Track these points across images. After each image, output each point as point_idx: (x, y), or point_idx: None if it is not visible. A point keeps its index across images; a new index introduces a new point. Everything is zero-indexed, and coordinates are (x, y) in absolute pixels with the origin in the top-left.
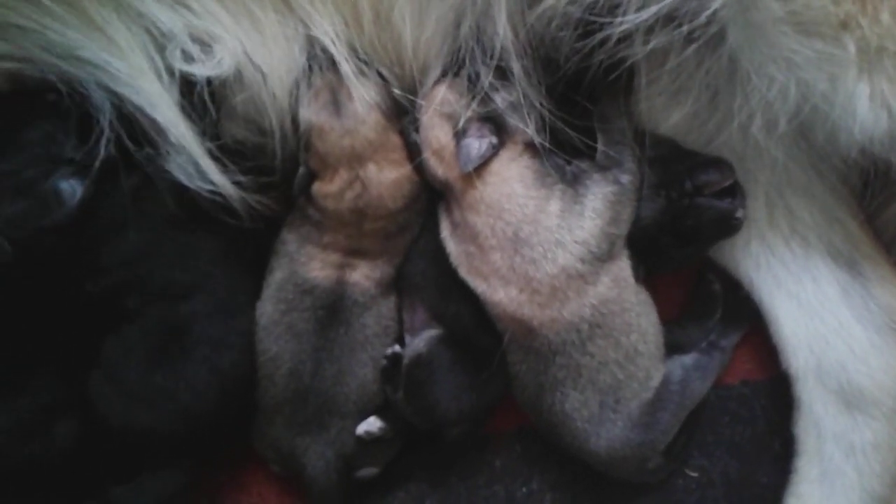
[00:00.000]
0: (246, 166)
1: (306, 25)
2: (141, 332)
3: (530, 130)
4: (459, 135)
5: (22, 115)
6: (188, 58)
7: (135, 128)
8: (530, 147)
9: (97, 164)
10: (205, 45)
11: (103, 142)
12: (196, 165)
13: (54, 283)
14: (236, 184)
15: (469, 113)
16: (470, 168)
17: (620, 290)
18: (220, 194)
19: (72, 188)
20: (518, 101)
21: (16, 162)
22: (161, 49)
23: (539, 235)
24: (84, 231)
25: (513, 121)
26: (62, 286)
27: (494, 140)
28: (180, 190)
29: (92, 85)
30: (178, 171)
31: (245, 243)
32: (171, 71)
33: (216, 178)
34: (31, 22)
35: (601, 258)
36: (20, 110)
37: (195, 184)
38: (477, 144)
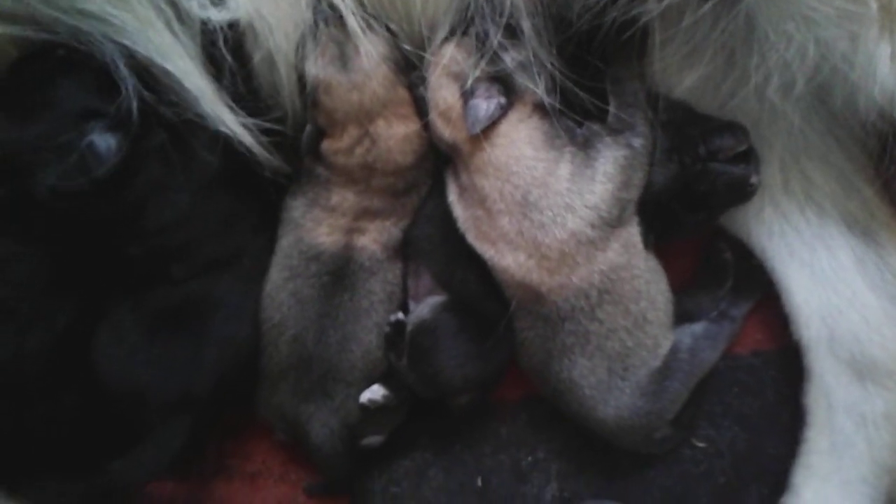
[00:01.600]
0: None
1: None
2: (164, 297)
3: (540, 91)
4: (467, 95)
5: (39, 75)
6: (201, 4)
7: (152, 80)
8: (540, 108)
9: (127, 114)
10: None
11: (126, 94)
12: (216, 116)
13: (97, 246)
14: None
15: (477, 72)
16: (478, 129)
17: (630, 256)
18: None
19: (107, 142)
20: (528, 60)
21: (46, 124)
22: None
23: (548, 199)
24: (125, 192)
25: (522, 81)
26: (104, 249)
27: (503, 100)
28: (217, 143)
29: (100, 38)
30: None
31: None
32: (181, 19)
33: (238, 131)
34: None
35: (611, 223)
36: (36, 71)
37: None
38: (485, 105)
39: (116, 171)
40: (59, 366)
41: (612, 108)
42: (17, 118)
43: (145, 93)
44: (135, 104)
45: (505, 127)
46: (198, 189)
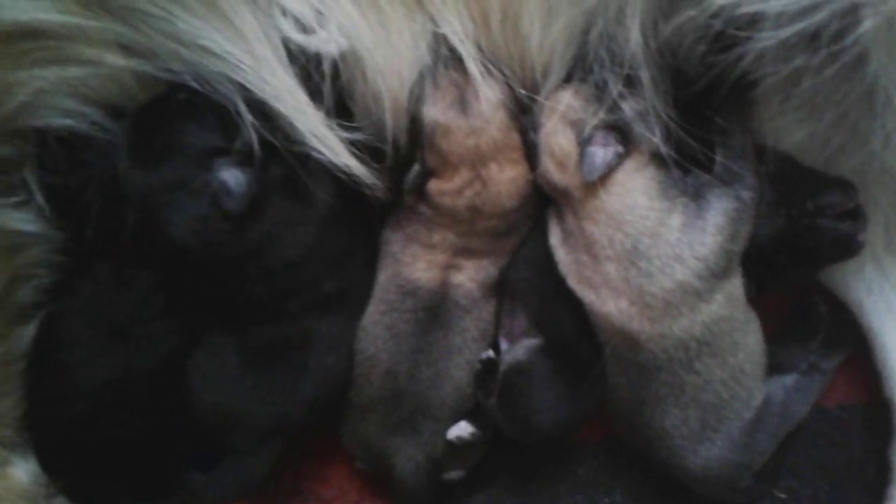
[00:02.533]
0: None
1: (434, 22)
2: (270, 329)
3: (657, 140)
4: (584, 142)
5: (163, 120)
6: (313, 43)
7: (268, 117)
8: (656, 158)
9: (250, 149)
10: (329, 34)
11: (246, 130)
12: (326, 151)
13: (216, 283)
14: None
15: (595, 121)
16: (594, 177)
17: (732, 308)
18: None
19: (236, 178)
20: (645, 110)
21: (174, 167)
22: (284, 36)
23: (658, 249)
24: (253, 230)
25: (639, 130)
26: (223, 286)
27: (620, 149)
28: (331, 179)
29: (218, 76)
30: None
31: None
32: (293, 58)
33: (352, 164)
34: (159, 9)
35: (718, 275)
36: (159, 115)
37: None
38: (602, 153)
39: (248, 205)
40: (159, 388)
41: (719, 159)
42: (145, 163)
43: (262, 129)
44: (255, 140)
45: (620, 175)
46: (318, 225)
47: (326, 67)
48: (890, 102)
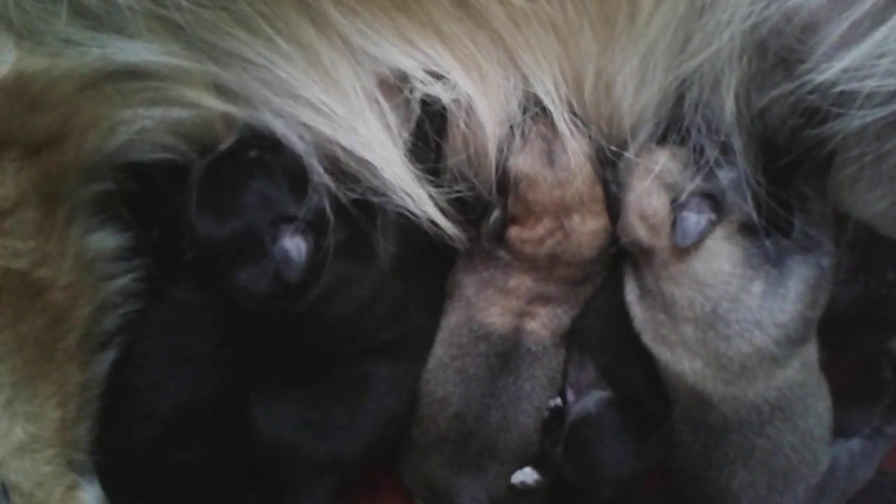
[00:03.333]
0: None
1: (528, 82)
2: (330, 372)
3: (748, 209)
4: (678, 207)
5: (233, 177)
6: (415, 99)
7: (346, 174)
8: (745, 226)
9: (318, 214)
10: (430, 89)
11: (317, 193)
12: (412, 201)
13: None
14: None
15: (692, 186)
16: (687, 243)
17: (807, 374)
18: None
19: (298, 247)
20: (738, 178)
21: (240, 226)
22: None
23: (738, 313)
24: (311, 290)
25: (732, 198)
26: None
27: (713, 217)
28: (396, 231)
29: (303, 128)
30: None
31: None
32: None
33: (437, 217)
34: (260, 57)
35: (796, 342)
36: (230, 171)
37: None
38: (696, 219)
39: (304, 277)
40: (225, 417)
41: (798, 224)
42: (211, 216)
43: (332, 185)
44: (325, 202)
45: (709, 241)
46: (376, 282)
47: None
48: None
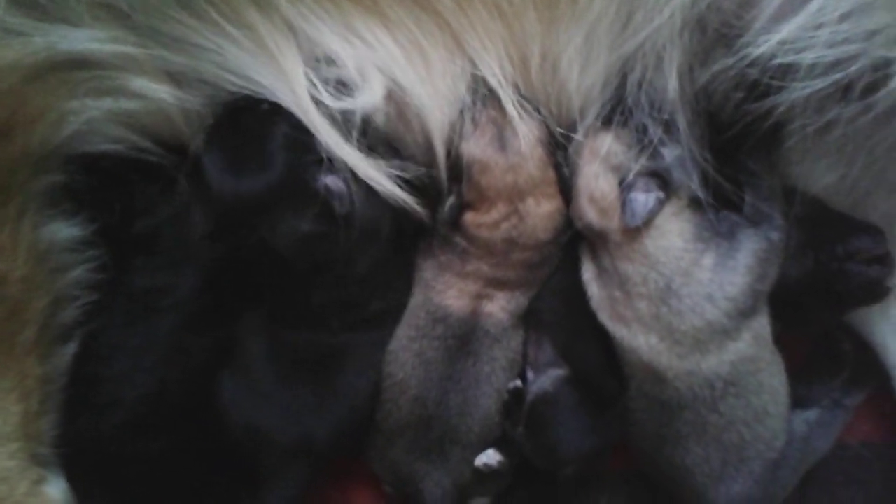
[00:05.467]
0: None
1: (474, 64)
2: (304, 346)
3: (695, 186)
4: (626, 188)
5: (257, 129)
6: (350, 85)
7: None
8: (693, 202)
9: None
10: (367, 75)
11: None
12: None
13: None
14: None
15: (637, 166)
16: (638, 223)
17: (759, 347)
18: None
19: (336, 182)
20: (683, 155)
21: (273, 179)
22: (325, 76)
23: (690, 288)
24: (346, 239)
25: (679, 176)
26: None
27: (661, 195)
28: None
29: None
30: None
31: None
32: (330, 94)
33: (392, 191)
34: (209, 42)
35: (746, 314)
36: (251, 124)
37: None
38: (644, 199)
39: (353, 207)
40: (193, 405)
41: (748, 199)
42: (243, 173)
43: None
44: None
45: (659, 220)
46: (379, 246)
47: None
48: None
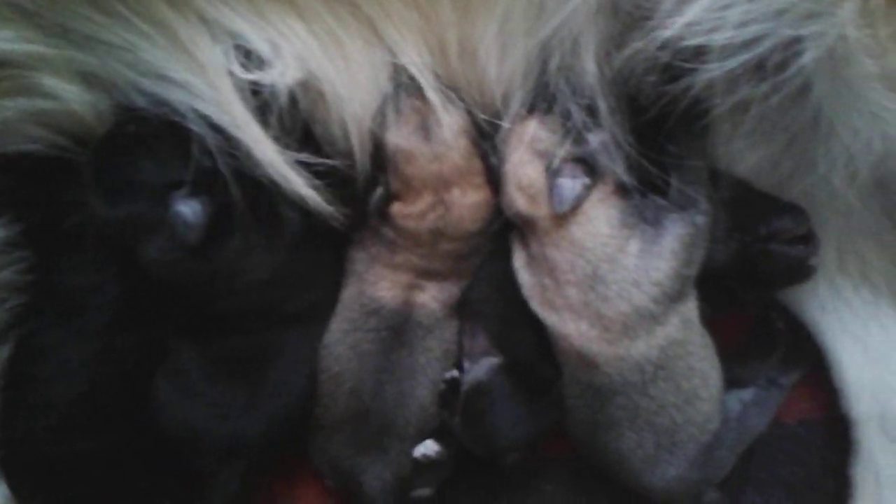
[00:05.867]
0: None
1: (393, 54)
2: (232, 345)
3: (620, 171)
4: (552, 174)
5: (117, 155)
6: (271, 73)
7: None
8: (619, 188)
9: (208, 175)
10: (285, 66)
11: (206, 156)
12: (284, 180)
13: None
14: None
15: (563, 152)
16: (564, 209)
17: (687, 331)
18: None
19: (192, 208)
20: (608, 140)
21: (133, 202)
22: (242, 67)
23: (616, 274)
24: (220, 254)
25: (604, 161)
26: (190, 303)
27: (588, 181)
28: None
29: (179, 104)
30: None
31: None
32: (252, 89)
33: (307, 193)
34: (120, 39)
35: (673, 298)
36: (114, 151)
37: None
38: (571, 185)
39: (207, 233)
40: (125, 403)
41: (674, 184)
42: (108, 199)
43: (225, 156)
44: (218, 164)
45: (586, 205)
46: (285, 249)
47: (285, 98)
48: (833, 130)
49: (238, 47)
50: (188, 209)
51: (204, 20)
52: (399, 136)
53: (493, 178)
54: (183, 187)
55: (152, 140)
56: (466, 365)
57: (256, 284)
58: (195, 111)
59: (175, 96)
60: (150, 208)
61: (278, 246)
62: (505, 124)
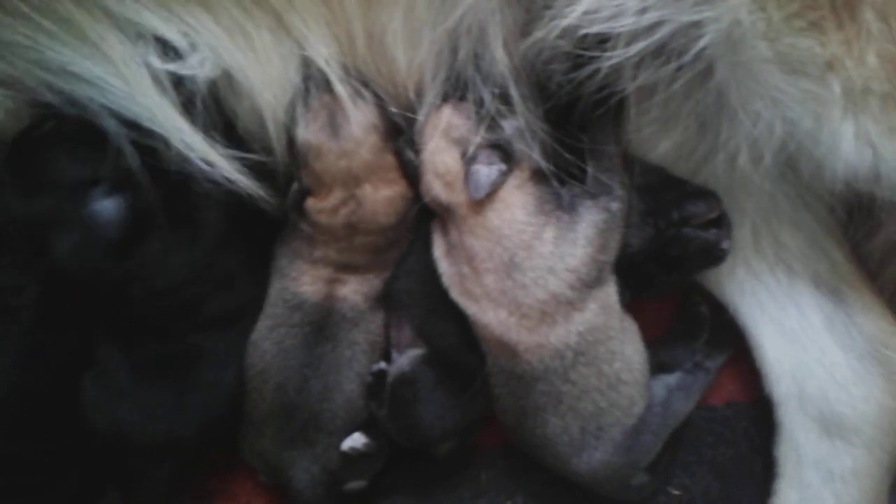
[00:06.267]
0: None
1: (301, 46)
2: (158, 346)
3: (536, 157)
4: (468, 161)
5: (34, 151)
6: (183, 67)
7: (148, 140)
8: (535, 174)
9: (125, 175)
10: (199, 58)
11: (122, 155)
12: (210, 169)
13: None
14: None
15: (478, 139)
16: (481, 195)
17: (607, 316)
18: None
19: (108, 207)
20: (522, 127)
21: (48, 198)
22: (153, 61)
23: (532, 261)
24: (136, 255)
25: (520, 147)
26: (111, 304)
27: (504, 167)
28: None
29: (90, 102)
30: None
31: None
32: (169, 81)
33: (234, 177)
34: (26, 38)
35: (589, 285)
36: (30, 146)
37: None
38: (487, 171)
39: (124, 232)
40: (53, 405)
41: (590, 172)
42: (23, 195)
43: (137, 153)
44: (135, 163)
45: (502, 192)
46: (203, 248)
47: (204, 90)
48: (735, 114)
49: (156, 39)
50: (105, 207)
51: (110, 15)
52: (307, 132)
53: (409, 172)
54: (101, 185)
55: (70, 137)
56: (395, 356)
57: (177, 285)
58: (108, 108)
59: (87, 93)
60: (65, 205)
61: (198, 246)
62: (419, 117)
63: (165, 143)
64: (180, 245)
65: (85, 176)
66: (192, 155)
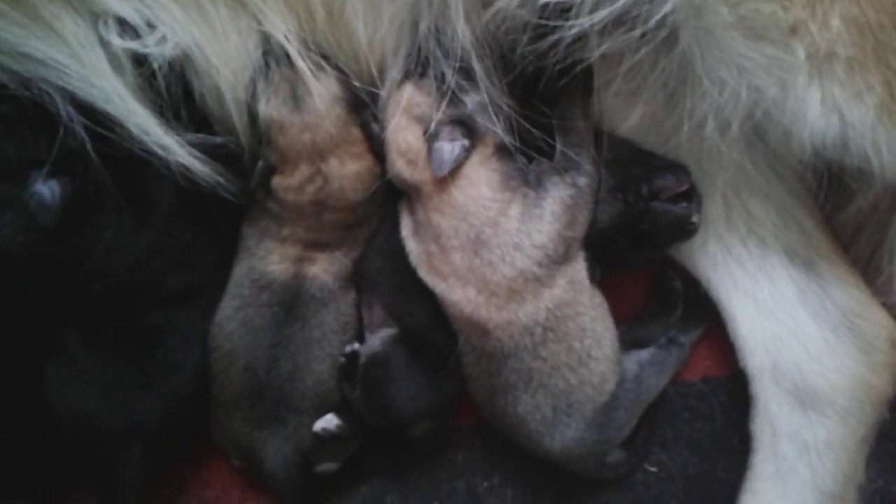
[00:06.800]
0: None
1: (259, 21)
2: (119, 328)
3: (499, 132)
4: (431, 138)
5: None
6: (141, 46)
7: (99, 120)
8: (500, 149)
9: (70, 157)
10: (156, 36)
11: (69, 137)
12: (164, 150)
13: (57, 285)
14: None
15: (440, 115)
16: (444, 172)
17: (576, 292)
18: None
19: (51, 189)
20: (484, 102)
21: None
22: (110, 40)
23: (499, 238)
24: (81, 234)
25: (483, 122)
26: (62, 284)
27: (466, 143)
28: (170, 179)
29: (42, 82)
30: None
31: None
32: (121, 59)
33: (190, 162)
34: None
35: (557, 261)
36: None
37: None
38: (449, 147)
39: (66, 215)
40: (15, 395)
41: (558, 147)
42: None
43: (87, 133)
44: (83, 145)
45: (467, 168)
46: (156, 226)
47: (163, 69)
48: (701, 82)
49: (115, 18)
50: (46, 189)
51: None
52: (270, 107)
53: (376, 146)
54: (43, 167)
55: (13, 118)
56: (368, 337)
57: (128, 264)
58: (60, 88)
59: (38, 73)
60: (5, 186)
61: (151, 224)
62: (382, 92)
63: (120, 125)
64: (131, 224)
65: (26, 157)
66: (146, 139)
